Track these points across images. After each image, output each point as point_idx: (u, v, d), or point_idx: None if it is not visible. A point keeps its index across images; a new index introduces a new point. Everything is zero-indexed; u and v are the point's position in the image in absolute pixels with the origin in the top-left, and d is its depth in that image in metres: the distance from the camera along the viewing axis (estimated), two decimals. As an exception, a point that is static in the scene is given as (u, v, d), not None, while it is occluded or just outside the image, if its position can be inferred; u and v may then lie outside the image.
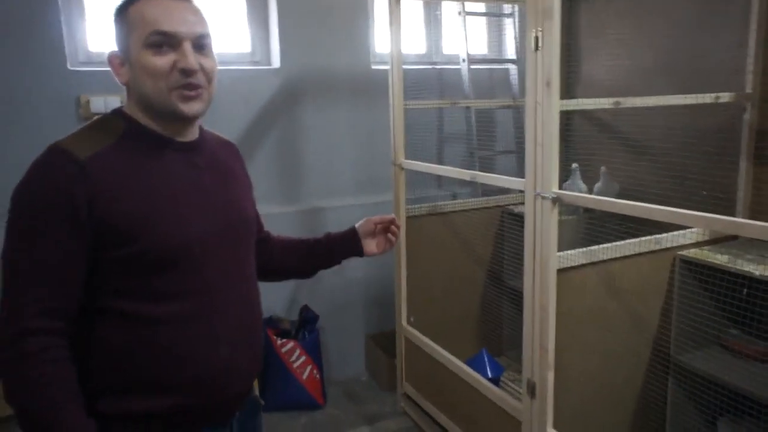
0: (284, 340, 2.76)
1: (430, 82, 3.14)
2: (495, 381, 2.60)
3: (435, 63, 3.26)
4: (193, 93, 1.05)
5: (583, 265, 1.82)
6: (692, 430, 2.12)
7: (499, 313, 2.96)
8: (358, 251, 1.42)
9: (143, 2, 1.03)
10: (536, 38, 1.61)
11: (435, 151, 3.23)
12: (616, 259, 1.86)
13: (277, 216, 2.84)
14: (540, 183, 1.69)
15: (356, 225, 1.43)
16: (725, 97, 1.97)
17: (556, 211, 1.67)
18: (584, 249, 1.81)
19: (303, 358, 2.80)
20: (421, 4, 3.23)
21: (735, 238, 2.08)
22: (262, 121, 2.84)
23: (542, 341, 1.76)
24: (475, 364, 2.61)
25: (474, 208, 2.84)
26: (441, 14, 3.26)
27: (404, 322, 2.64)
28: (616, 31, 2.55)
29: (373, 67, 3.04)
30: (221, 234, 1.12)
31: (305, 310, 2.89)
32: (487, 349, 2.78)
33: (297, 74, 2.88)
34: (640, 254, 1.89)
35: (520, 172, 3.17)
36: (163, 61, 1.02)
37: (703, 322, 2.01)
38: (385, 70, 2.65)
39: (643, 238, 1.90)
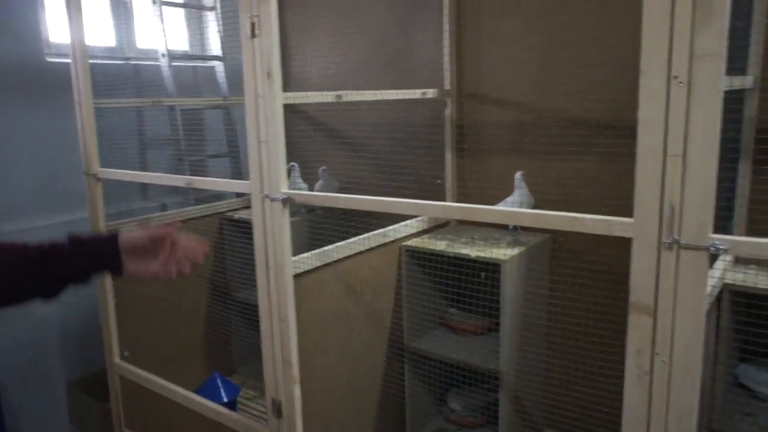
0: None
1: (124, 79, 2.74)
2: (232, 404, 2.38)
3: (128, 58, 2.87)
4: None
5: (317, 268, 1.73)
6: (428, 409, 2.22)
7: (227, 329, 2.74)
8: (115, 268, 1.03)
9: None
10: (252, 24, 1.46)
11: (137, 157, 2.83)
12: (349, 256, 1.82)
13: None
14: (267, 184, 1.54)
15: (124, 233, 1.04)
16: (431, 92, 2.10)
17: (287, 213, 1.54)
18: (318, 251, 1.73)
19: (-20, 429, 2.18)
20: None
21: (446, 224, 2.24)
22: None
23: (284, 355, 1.62)
24: (207, 390, 2.35)
25: (188, 218, 2.56)
26: (131, 2, 2.87)
27: (117, 359, 2.24)
28: (324, 29, 2.55)
29: (49, 59, 2.52)
30: None
31: (-23, 366, 2.26)
32: (218, 371, 2.54)
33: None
34: (371, 249, 1.88)
35: (235, 176, 3.01)
36: None
37: (428, 306, 2.12)
38: (65, 64, 2.21)
39: (373, 233, 1.90)
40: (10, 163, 2.43)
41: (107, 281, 2.17)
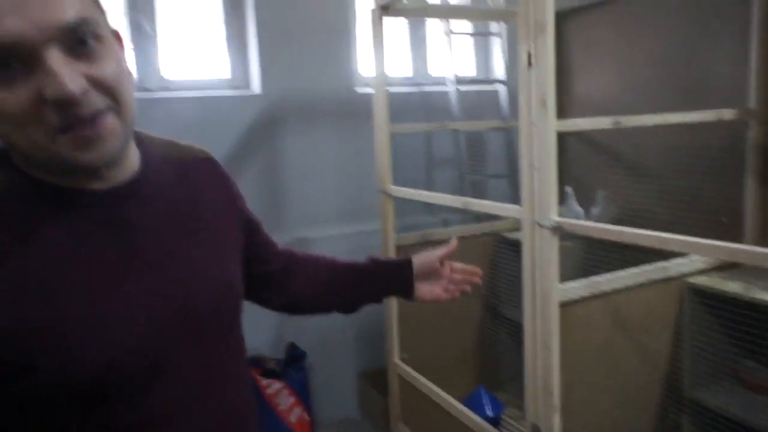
0: (270, 381, 2.60)
1: (416, 104, 3.04)
2: (495, 420, 2.44)
3: (421, 85, 3.16)
4: (89, 132, 0.64)
5: (586, 298, 1.68)
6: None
7: (496, 345, 2.82)
8: (408, 292, 1.14)
9: None
10: (529, 54, 1.50)
11: (423, 176, 3.10)
12: (620, 289, 1.72)
13: (260, 249, 2.70)
14: (538, 210, 1.56)
15: (415, 257, 1.14)
16: (728, 113, 1.87)
17: (556, 240, 1.54)
18: (587, 280, 1.68)
19: (291, 400, 2.63)
20: (406, 24, 3.13)
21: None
22: (243, 148, 2.71)
23: (546, 382, 1.61)
24: (473, 402, 2.46)
25: (466, 235, 2.71)
26: (425, 34, 3.16)
27: (396, 359, 2.48)
28: (608, 47, 2.45)
29: (358, 90, 2.93)
30: (174, 329, 0.73)
31: (292, 347, 2.73)
32: (485, 384, 2.63)
33: (278, 99, 2.76)
34: (646, 284, 1.76)
35: (513, 196, 3.08)
36: (16, 97, 0.60)
37: (716, 353, 1.88)
38: (370, 94, 2.54)
39: (650, 266, 1.76)
40: (319, 178, 2.89)
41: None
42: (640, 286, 1.75)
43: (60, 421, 0.67)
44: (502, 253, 2.74)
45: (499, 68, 3.21)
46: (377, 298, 1.16)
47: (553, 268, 1.54)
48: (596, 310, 1.70)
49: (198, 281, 0.77)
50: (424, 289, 1.15)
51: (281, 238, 3.10)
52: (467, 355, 2.77)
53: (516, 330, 2.67)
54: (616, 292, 1.71)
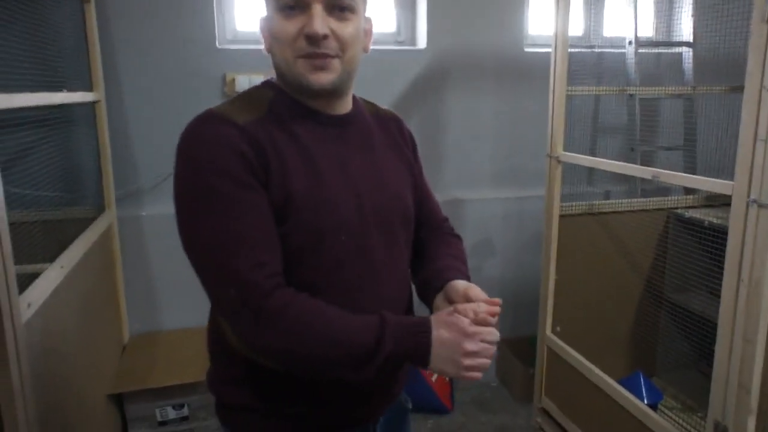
0: (414, 338, 2.61)
1: (587, 66, 2.83)
2: (651, 408, 2.29)
3: (593, 46, 2.94)
4: (318, 62, 0.92)
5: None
6: None
7: (656, 329, 2.62)
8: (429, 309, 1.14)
9: None
10: (773, 7, 1.30)
11: (588, 143, 2.91)
12: None
13: (415, 206, 2.69)
14: (757, 188, 1.38)
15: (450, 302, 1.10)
16: None
17: (777, 223, 1.36)
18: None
19: (433, 359, 2.63)
20: (582, -21, 2.91)
21: None
22: (404, 103, 2.68)
23: (742, 380, 1.46)
24: (629, 386, 2.30)
25: (634, 209, 2.51)
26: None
27: (548, 331, 2.39)
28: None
29: (527, 50, 2.78)
30: (366, 219, 1.00)
31: (438, 308, 2.71)
32: (640, 370, 2.47)
33: (443, 56, 2.69)
34: None
35: (687, 171, 2.81)
36: (290, 26, 0.91)
37: None
38: (540, 54, 2.40)
39: None
40: (479, 140, 2.80)
41: (551, 258, 2.31)
42: None
43: (298, 255, 0.94)
44: (673, 232, 2.53)
45: (685, 29, 2.90)
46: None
47: (770, 254, 1.37)
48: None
49: (386, 192, 1.05)
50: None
51: (437, 198, 3.05)
52: (622, 336, 2.61)
53: (681, 316, 2.47)
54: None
